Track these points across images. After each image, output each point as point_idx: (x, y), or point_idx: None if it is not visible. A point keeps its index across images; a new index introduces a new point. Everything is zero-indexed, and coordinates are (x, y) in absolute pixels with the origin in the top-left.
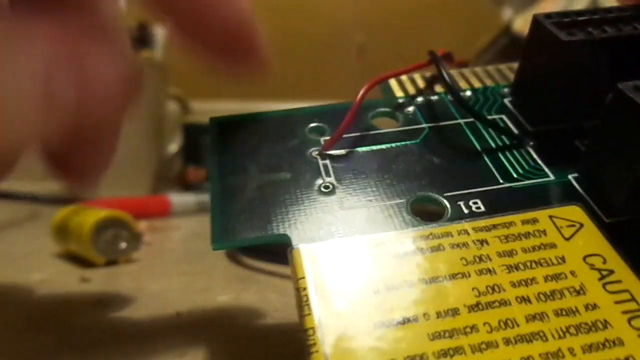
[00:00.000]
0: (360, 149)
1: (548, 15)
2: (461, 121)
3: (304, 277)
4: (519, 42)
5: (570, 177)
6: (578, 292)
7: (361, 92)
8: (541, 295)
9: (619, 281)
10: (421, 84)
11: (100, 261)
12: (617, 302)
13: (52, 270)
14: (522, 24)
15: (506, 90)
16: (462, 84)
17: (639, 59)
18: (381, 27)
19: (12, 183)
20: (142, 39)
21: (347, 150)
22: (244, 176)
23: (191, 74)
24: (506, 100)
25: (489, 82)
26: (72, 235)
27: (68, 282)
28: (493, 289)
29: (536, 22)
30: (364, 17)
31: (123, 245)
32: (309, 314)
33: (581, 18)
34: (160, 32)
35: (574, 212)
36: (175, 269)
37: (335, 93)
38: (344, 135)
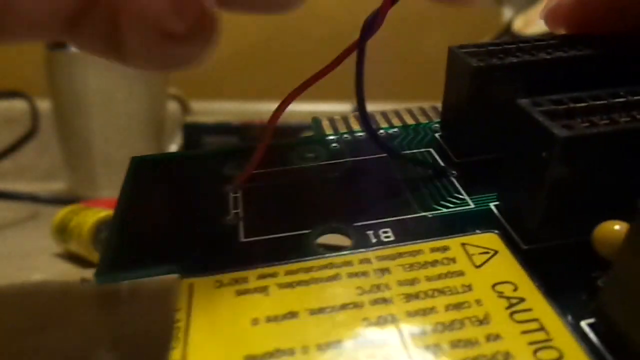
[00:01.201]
0: (275, 184)
1: (462, 46)
2: (386, 156)
3: (181, 310)
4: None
5: (490, 205)
6: (481, 322)
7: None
8: (439, 326)
9: (528, 310)
10: (353, 122)
11: None
12: (524, 332)
13: (52, 270)
14: (522, 24)
15: (437, 125)
16: (395, 122)
17: (554, 81)
18: (382, 26)
19: (12, 183)
20: None
21: (262, 184)
22: (146, 211)
23: (191, 74)
24: (437, 135)
25: (422, 120)
26: (72, 235)
27: (68, 282)
28: (386, 319)
29: (451, 52)
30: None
31: None
32: (176, 347)
33: (495, 47)
34: None
35: (490, 240)
36: None
37: (335, 93)
38: (263, 171)
